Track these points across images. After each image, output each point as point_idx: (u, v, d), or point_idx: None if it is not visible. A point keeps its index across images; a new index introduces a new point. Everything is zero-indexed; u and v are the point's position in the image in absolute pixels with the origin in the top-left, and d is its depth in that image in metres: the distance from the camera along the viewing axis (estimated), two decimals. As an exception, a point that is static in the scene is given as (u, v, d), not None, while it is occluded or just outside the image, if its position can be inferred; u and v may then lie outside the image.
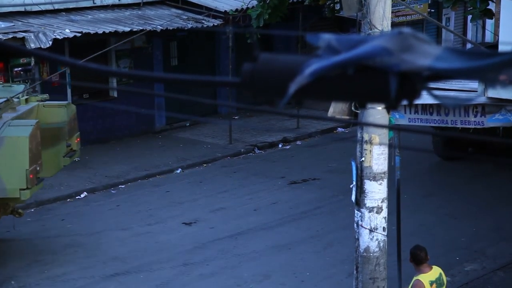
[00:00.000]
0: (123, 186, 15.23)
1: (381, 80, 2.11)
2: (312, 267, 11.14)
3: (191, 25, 17.51)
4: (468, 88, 9.08)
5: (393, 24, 11.24)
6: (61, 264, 11.44)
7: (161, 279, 10.90)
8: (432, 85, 2.17)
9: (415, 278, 7.26)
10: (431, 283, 7.19)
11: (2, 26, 15.21)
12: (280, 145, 18.11)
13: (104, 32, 15.65)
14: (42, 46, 14.35)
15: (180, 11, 18.54)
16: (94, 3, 17.51)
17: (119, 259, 11.59)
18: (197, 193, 14.69)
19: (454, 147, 15.25)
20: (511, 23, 8.67)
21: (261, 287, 10.60)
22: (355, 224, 8.55)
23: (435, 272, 7.29)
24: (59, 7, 16.78)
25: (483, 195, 13.98)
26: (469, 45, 21.57)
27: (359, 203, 8.40)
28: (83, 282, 10.83)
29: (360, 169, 8.34)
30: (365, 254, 8.42)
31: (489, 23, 20.61)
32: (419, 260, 7.22)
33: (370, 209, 8.32)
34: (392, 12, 8.67)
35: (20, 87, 11.73)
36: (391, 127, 9.30)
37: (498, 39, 10.29)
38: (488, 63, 2.07)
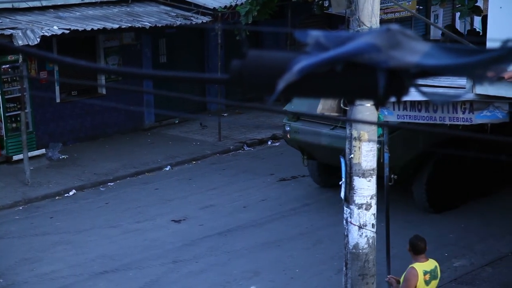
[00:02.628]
0: (112, 184, 15.20)
1: (370, 77, 2.11)
2: (301, 264, 11.16)
3: (180, 22, 17.48)
4: (456, 85, 9.11)
5: (382, 21, 11.26)
6: (50, 262, 11.41)
7: (150, 276, 10.89)
8: (420, 81, 2.18)
9: (410, 266, 7.31)
10: (425, 272, 7.23)
11: (-10, 23, 15.12)
12: (269, 142, 18.12)
13: (92, 29, 15.59)
14: (30, 43, 14.27)
15: (168, 8, 18.50)
16: (82, 0, 17.44)
17: (108, 257, 11.57)
18: (186, 190, 14.68)
19: (330, 174, 13.51)
20: (499, 20, 8.71)
21: (250, 284, 10.61)
22: (344, 221, 8.56)
23: (431, 263, 7.34)
24: (47, 4, 16.70)
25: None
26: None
27: (348, 199, 8.41)
28: (72, 280, 10.80)
29: (349, 166, 8.36)
30: (354, 250, 8.44)
31: (477, 20, 20.67)
32: (418, 250, 7.26)
33: (359, 206, 8.34)
34: (380, 9, 8.69)
35: None
36: (380, 124, 9.32)
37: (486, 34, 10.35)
38: (476, 60, 2.08)
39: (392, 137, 11.05)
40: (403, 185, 12.28)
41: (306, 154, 13.33)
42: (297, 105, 12.76)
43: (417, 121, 9.31)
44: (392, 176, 11.26)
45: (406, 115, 9.39)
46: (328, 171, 13.68)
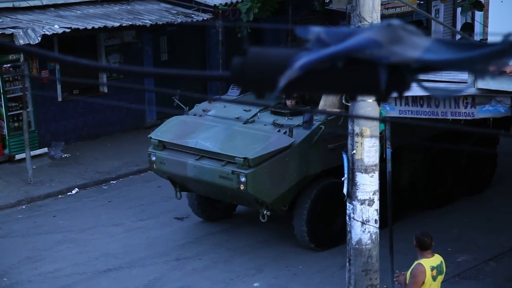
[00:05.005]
0: (114, 182, 15.21)
1: (371, 73, 2.11)
2: (304, 260, 11.16)
3: (180, 20, 17.46)
4: (458, 80, 9.09)
5: (383, 16, 11.24)
6: (53, 260, 11.42)
7: (154, 274, 10.90)
8: (422, 76, 2.17)
9: (416, 262, 7.29)
10: (432, 268, 7.23)
11: (-9, 22, 15.13)
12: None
13: (93, 27, 15.59)
14: (31, 42, 14.27)
15: (169, 6, 18.49)
16: (83, -2, 17.43)
17: (111, 255, 11.58)
18: (189, 187, 14.68)
19: (212, 207, 12.51)
20: (500, 15, 8.69)
21: (254, 281, 10.61)
22: (347, 217, 8.57)
23: (437, 259, 7.33)
24: (48, 3, 16.70)
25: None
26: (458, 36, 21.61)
27: (351, 195, 8.41)
28: (76, 278, 10.81)
29: (352, 162, 8.35)
30: (357, 246, 8.44)
31: (479, 14, 20.64)
32: (425, 246, 7.25)
33: (362, 202, 8.34)
34: (381, 4, 8.68)
35: None
36: (382, 120, 9.31)
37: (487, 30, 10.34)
38: (477, 54, 2.07)
39: (256, 172, 10.45)
40: (284, 219, 11.48)
41: (179, 186, 11.92)
42: (164, 131, 11.81)
43: (419, 116, 9.30)
44: (264, 212, 10.77)
45: (408, 111, 9.38)
46: (211, 203, 12.37)
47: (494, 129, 13.19)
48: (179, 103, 11.98)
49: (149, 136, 12.03)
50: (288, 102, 11.80)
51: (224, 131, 11.30)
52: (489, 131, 13.69)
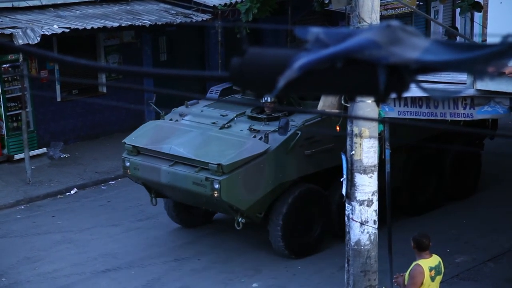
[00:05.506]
0: (113, 182, 15.20)
1: (370, 73, 2.11)
2: (303, 261, 11.16)
3: (180, 20, 17.46)
4: (457, 81, 9.10)
5: (382, 17, 11.25)
6: (52, 260, 11.41)
7: (153, 274, 10.89)
8: (421, 77, 2.17)
9: (414, 263, 7.29)
10: (431, 269, 7.24)
11: (-10, 22, 15.12)
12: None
13: (92, 27, 15.58)
14: (30, 42, 14.27)
15: (168, 6, 18.49)
16: (82, -2, 17.43)
17: (110, 255, 11.57)
18: (188, 188, 14.67)
19: (190, 213, 12.30)
20: (499, 16, 8.70)
21: (252, 281, 10.61)
22: (346, 217, 8.57)
23: (435, 259, 7.34)
24: (47, 3, 16.69)
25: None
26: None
27: (350, 196, 8.42)
28: (74, 279, 10.81)
29: (351, 163, 8.36)
30: (356, 247, 8.44)
31: (478, 15, 20.65)
32: (423, 247, 7.25)
33: (361, 202, 8.34)
34: (380, 5, 8.68)
35: None
36: (381, 120, 9.31)
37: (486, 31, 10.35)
38: (476, 55, 2.07)
39: (230, 178, 10.26)
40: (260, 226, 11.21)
41: (154, 192, 11.74)
42: (139, 137, 11.62)
43: (418, 117, 9.31)
44: (239, 219, 10.54)
45: (407, 111, 9.39)
46: (188, 210, 12.16)
47: (492, 130, 13.21)
48: (155, 107, 11.84)
49: (123, 141, 11.79)
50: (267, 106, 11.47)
51: (199, 136, 11.07)
52: (489, 132, 13.69)
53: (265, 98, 11.23)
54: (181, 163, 10.82)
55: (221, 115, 11.54)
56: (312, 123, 10.99)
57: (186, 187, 10.71)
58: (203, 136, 11.06)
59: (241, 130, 11.05)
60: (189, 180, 10.60)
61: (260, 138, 10.69)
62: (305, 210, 11.08)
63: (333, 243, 11.50)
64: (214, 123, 11.35)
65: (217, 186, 10.26)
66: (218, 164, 10.27)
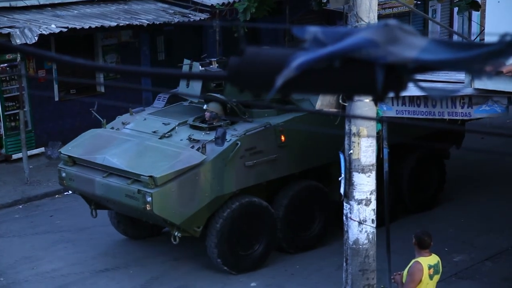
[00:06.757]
0: (111, 182, 15.18)
1: (368, 73, 2.11)
2: (301, 260, 11.16)
3: (178, 20, 17.46)
4: (454, 80, 9.11)
5: (380, 16, 11.25)
6: (51, 260, 11.41)
7: (152, 273, 10.89)
8: (419, 76, 2.17)
9: (414, 260, 7.30)
10: (429, 267, 7.25)
11: (-13, 22, 15.11)
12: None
13: (90, 27, 15.58)
14: (28, 42, 14.26)
15: (166, 5, 18.49)
16: (80, -2, 17.42)
17: (109, 255, 11.57)
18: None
19: (135, 225, 11.80)
20: (497, 14, 8.71)
21: (251, 281, 10.61)
22: (344, 217, 8.58)
23: (434, 258, 7.35)
24: (45, 2, 16.68)
25: (470, 186, 14.06)
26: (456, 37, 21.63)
27: (348, 195, 8.42)
28: (73, 278, 10.80)
29: (349, 162, 8.36)
30: (354, 246, 8.45)
31: (475, 14, 20.67)
32: (424, 245, 7.26)
33: (359, 202, 8.35)
34: (378, 4, 8.69)
35: None
36: (379, 120, 9.32)
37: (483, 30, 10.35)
38: (474, 54, 2.07)
39: (163, 191, 9.78)
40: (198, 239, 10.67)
41: (94, 204, 11.42)
42: (76, 146, 11.22)
43: (416, 116, 9.31)
44: (176, 234, 10.03)
45: (405, 111, 9.40)
46: (132, 221, 11.65)
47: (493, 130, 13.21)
48: (96, 115, 11.52)
49: (59, 150, 11.43)
50: (207, 115, 10.86)
51: (135, 146, 10.59)
52: (489, 132, 13.70)
53: (205, 106, 10.93)
54: (116, 175, 10.36)
55: (163, 123, 11.04)
56: (254, 133, 10.49)
57: (120, 200, 10.26)
58: (140, 146, 10.57)
59: (181, 140, 10.53)
60: (122, 192, 10.13)
61: (198, 149, 10.17)
62: (246, 224, 10.55)
63: (331, 242, 11.51)
64: (154, 132, 10.88)
65: (149, 199, 9.75)
66: (150, 176, 9.76)
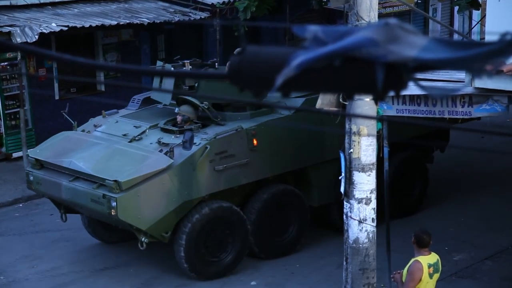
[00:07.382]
0: (111, 180, 15.18)
1: (368, 71, 2.11)
2: (301, 259, 11.17)
3: (178, 18, 17.46)
4: (455, 79, 9.11)
5: (380, 15, 11.25)
6: (51, 259, 11.41)
7: (151, 273, 10.89)
8: (419, 75, 2.17)
9: (413, 259, 7.31)
10: (429, 266, 7.26)
11: (-12, 20, 15.11)
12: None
13: (90, 25, 15.58)
14: (29, 40, 14.26)
15: (167, 4, 18.48)
16: (80, -4, 17.42)
17: (109, 253, 11.57)
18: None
19: (108, 229, 11.56)
20: (497, 13, 8.71)
21: (251, 280, 10.61)
22: (344, 216, 8.58)
23: (433, 257, 7.36)
24: (45, 1, 16.68)
25: (470, 185, 14.06)
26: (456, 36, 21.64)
27: (348, 194, 8.43)
28: (73, 277, 10.80)
29: (349, 161, 8.37)
30: (354, 245, 8.45)
31: (476, 13, 20.67)
32: (423, 244, 7.26)
33: (359, 200, 8.35)
34: (379, 3, 8.69)
35: None
36: (379, 118, 9.32)
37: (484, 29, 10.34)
38: (474, 53, 2.07)
39: (127, 196, 9.60)
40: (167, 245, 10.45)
41: (63, 208, 11.19)
42: (44, 149, 11.04)
43: (416, 115, 9.32)
44: (143, 239, 9.85)
45: (405, 109, 9.39)
46: (103, 225, 11.47)
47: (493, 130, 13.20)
48: (67, 117, 11.39)
49: (26, 153, 11.17)
50: (179, 118, 10.68)
51: (103, 150, 10.41)
52: (489, 131, 13.70)
53: (176, 109, 10.78)
54: (82, 179, 10.17)
55: (134, 126, 10.87)
56: (225, 136, 10.29)
57: (86, 204, 10.13)
58: (108, 149, 10.39)
59: (150, 143, 10.35)
60: (87, 196, 9.97)
61: (166, 153, 9.95)
62: (215, 230, 10.36)
63: (331, 241, 11.51)
64: (125, 135, 10.69)
65: (114, 204, 9.58)
66: (115, 181, 9.61)
